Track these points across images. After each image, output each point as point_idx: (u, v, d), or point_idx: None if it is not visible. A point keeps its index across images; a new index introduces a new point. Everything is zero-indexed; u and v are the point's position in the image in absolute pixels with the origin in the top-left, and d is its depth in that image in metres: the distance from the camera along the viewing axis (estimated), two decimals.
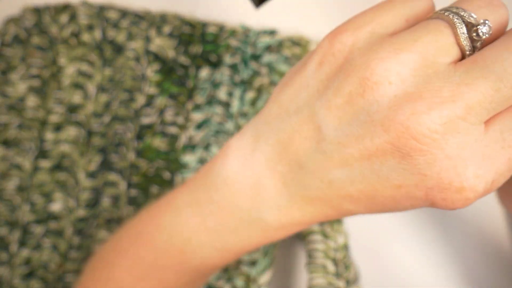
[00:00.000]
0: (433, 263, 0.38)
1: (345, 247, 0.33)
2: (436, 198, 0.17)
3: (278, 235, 0.22)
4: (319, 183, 0.19)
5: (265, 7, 0.37)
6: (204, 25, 0.39)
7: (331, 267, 0.32)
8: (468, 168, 0.16)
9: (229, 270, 0.33)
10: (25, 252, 0.38)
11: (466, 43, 0.16)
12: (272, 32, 0.38)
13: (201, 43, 0.38)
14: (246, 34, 0.38)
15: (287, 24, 0.43)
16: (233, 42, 0.38)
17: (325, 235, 0.33)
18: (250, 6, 0.37)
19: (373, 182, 0.18)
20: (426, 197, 0.17)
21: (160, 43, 0.38)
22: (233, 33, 0.38)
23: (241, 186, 0.20)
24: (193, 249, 0.22)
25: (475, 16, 0.16)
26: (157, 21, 0.39)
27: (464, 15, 0.16)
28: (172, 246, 0.23)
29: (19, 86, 0.39)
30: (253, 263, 0.33)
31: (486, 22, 0.16)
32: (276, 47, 0.38)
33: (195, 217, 0.22)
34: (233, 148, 0.21)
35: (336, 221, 0.34)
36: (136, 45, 0.38)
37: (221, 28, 0.38)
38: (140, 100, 0.38)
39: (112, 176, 0.38)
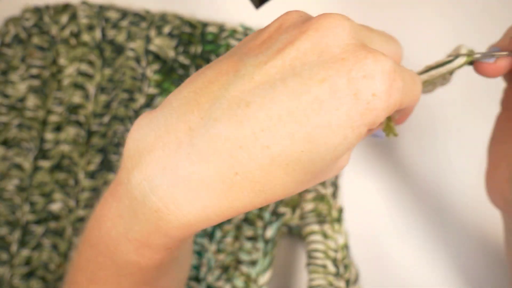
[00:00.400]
0: (433, 263, 0.38)
1: (345, 248, 0.33)
2: (358, 80, 0.17)
3: (174, 221, 0.19)
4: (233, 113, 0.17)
5: (265, 7, 0.37)
6: (204, 25, 0.39)
7: (331, 268, 0.32)
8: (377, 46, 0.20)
9: (229, 270, 0.33)
10: (25, 252, 0.38)
11: None
12: None
13: (201, 43, 0.38)
14: (246, 34, 0.38)
15: None
16: (233, 42, 0.38)
17: (325, 236, 0.33)
18: (250, 6, 0.37)
19: (296, 85, 0.17)
20: (349, 84, 0.17)
21: (160, 43, 0.38)
22: (233, 32, 0.38)
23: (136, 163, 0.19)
24: (115, 244, 0.21)
25: None
26: (157, 21, 0.39)
27: None
28: (100, 239, 0.21)
29: (19, 86, 0.39)
30: (253, 263, 0.33)
31: None
32: None
33: (114, 207, 0.20)
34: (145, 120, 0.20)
35: (336, 221, 0.34)
36: (136, 45, 0.38)
37: (221, 28, 0.38)
38: (140, 100, 0.38)
39: (112, 176, 0.38)
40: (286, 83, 0.17)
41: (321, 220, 0.33)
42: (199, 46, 0.38)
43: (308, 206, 0.34)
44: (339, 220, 0.34)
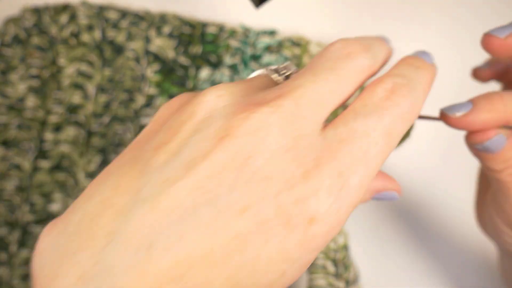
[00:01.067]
0: (433, 263, 0.38)
1: (345, 248, 0.33)
2: (288, 206, 0.14)
3: None
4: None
5: (265, 7, 0.37)
6: (204, 25, 0.39)
7: (331, 268, 0.32)
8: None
9: None
10: (24, 253, 0.37)
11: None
12: (272, 33, 0.38)
13: (201, 43, 0.38)
14: (246, 35, 0.38)
15: (287, 24, 0.43)
16: (233, 43, 0.38)
17: None
18: (250, 6, 0.37)
19: (210, 218, 0.13)
20: (277, 211, 0.14)
21: (160, 44, 0.38)
22: (233, 33, 0.38)
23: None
24: None
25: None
26: (157, 21, 0.39)
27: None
28: None
29: (18, 86, 0.39)
30: None
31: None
32: (276, 48, 0.38)
33: None
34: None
35: None
36: (136, 45, 0.38)
37: (221, 28, 0.38)
38: (140, 100, 0.38)
39: None
40: (198, 215, 0.13)
41: None
42: (199, 46, 0.38)
43: None
44: None
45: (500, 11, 0.44)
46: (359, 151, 0.14)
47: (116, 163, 0.16)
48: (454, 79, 0.42)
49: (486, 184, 0.27)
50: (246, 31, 0.38)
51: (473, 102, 0.20)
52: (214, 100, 0.16)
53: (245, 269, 0.13)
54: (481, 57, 0.42)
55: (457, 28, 0.44)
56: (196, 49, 0.38)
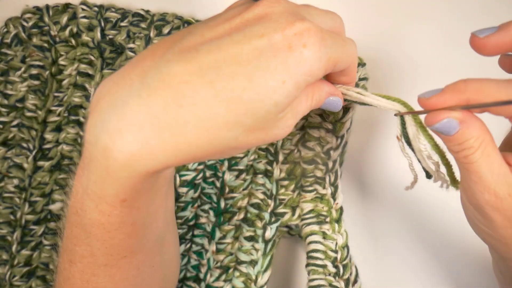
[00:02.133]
0: (432, 263, 0.38)
1: (345, 248, 0.33)
2: (291, 37, 0.20)
3: (114, 155, 0.19)
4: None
5: None
6: None
7: (331, 268, 0.32)
8: None
9: (228, 271, 0.33)
10: (25, 252, 0.37)
11: None
12: None
13: None
14: None
15: None
16: None
17: (325, 236, 0.33)
18: None
19: (239, 38, 0.20)
20: (284, 38, 0.20)
21: None
22: None
23: (98, 108, 0.20)
24: (80, 206, 0.21)
25: None
26: (157, 21, 0.38)
27: None
28: (72, 209, 0.22)
29: (19, 86, 0.39)
30: (252, 263, 0.33)
31: None
32: None
33: (80, 174, 0.21)
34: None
35: (335, 222, 0.34)
36: (136, 45, 0.38)
37: None
38: None
39: None
40: (231, 37, 0.20)
41: (321, 220, 0.33)
42: None
43: (308, 206, 0.34)
44: (338, 220, 0.34)
45: (500, 10, 0.44)
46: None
47: None
48: (455, 78, 0.42)
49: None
50: None
51: (444, 88, 0.23)
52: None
53: (259, 71, 0.19)
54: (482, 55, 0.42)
55: (457, 27, 0.44)
56: None
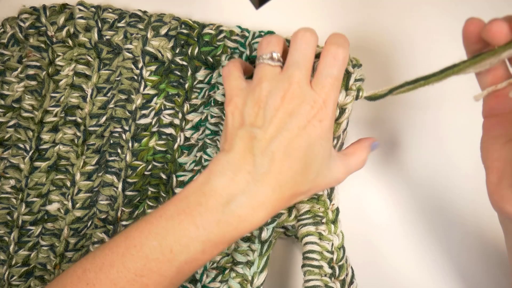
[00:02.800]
0: (429, 265, 0.38)
1: (341, 249, 0.33)
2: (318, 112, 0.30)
3: (250, 223, 0.28)
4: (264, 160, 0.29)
5: (264, 7, 0.36)
6: (201, 25, 0.38)
7: (327, 269, 0.32)
8: None
9: (225, 272, 0.33)
10: (22, 252, 0.37)
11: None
12: (269, 33, 0.38)
13: (198, 44, 0.38)
14: (243, 35, 0.38)
15: (286, 24, 0.43)
16: (230, 44, 0.37)
17: (321, 237, 0.33)
18: (250, 6, 0.37)
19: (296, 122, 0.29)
20: (308, 121, 0.30)
21: (157, 44, 0.38)
22: (230, 33, 0.38)
23: (225, 192, 0.28)
24: (181, 248, 0.27)
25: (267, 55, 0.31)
26: (154, 21, 0.38)
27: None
28: (161, 248, 0.27)
29: (16, 87, 0.39)
30: (249, 264, 0.33)
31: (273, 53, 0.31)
32: None
33: (186, 219, 0.28)
34: (219, 167, 0.29)
35: (332, 223, 0.34)
36: (133, 45, 0.38)
37: (218, 28, 0.38)
38: (137, 101, 0.38)
39: (108, 177, 0.38)
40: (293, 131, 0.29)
41: (317, 221, 0.33)
42: (196, 47, 0.38)
43: (304, 207, 0.34)
44: (335, 221, 0.34)
45: (501, 9, 0.44)
46: (331, 89, 0.30)
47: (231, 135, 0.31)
48: (454, 78, 0.42)
49: (499, 161, 0.28)
50: (243, 32, 0.38)
51: None
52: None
53: (309, 147, 0.29)
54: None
55: (457, 26, 0.44)
56: (193, 49, 0.38)
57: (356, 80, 0.32)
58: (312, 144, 0.29)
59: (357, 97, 0.32)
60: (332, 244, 0.33)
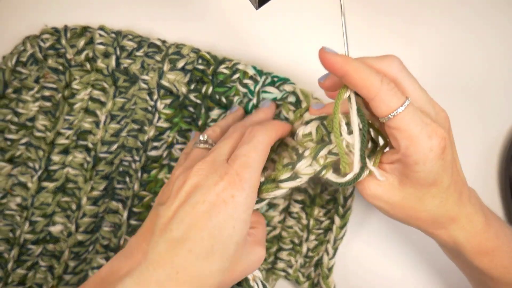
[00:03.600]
0: (426, 266, 0.38)
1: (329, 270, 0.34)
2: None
3: None
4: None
5: (264, 7, 0.36)
6: (217, 62, 0.38)
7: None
8: None
9: None
10: (20, 271, 0.38)
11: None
12: (280, 85, 0.37)
13: (212, 83, 0.38)
14: (255, 80, 0.37)
15: (286, 24, 0.43)
16: (240, 88, 0.37)
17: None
18: (250, 6, 0.37)
19: (189, 212, 0.26)
20: (217, 197, 0.27)
21: (173, 78, 0.38)
22: (243, 75, 0.37)
23: (114, 275, 0.26)
24: None
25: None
26: (172, 54, 0.38)
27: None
28: None
29: (30, 106, 0.39)
30: None
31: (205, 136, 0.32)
32: (279, 101, 0.37)
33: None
34: (125, 246, 0.28)
35: (325, 277, 0.34)
36: (149, 77, 0.38)
37: (233, 67, 0.38)
38: (149, 132, 0.38)
39: (114, 204, 0.38)
40: (184, 209, 0.26)
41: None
42: (210, 86, 0.38)
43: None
44: (327, 276, 0.34)
45: (502, 9, 0.45)
46: (246, 161, 0.28)
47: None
48: (456, 77, 0.43)
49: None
50: (256, 76, 0.37)
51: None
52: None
53: (216, 228, 0.25)
54: (482, 54, 0.43)
55: (458, 28, 0.45)
56: (207, 88, 0.38)
57: (331, 153, 0.29)
58: (220, 224, 0.25)
59: (319, 173, 0.28)
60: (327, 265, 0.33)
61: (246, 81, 0.37)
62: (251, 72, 0.37)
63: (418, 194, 0.28)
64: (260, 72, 0.37)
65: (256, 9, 0.34)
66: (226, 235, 0.25)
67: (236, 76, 0.37)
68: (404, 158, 0.26)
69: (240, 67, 0.38)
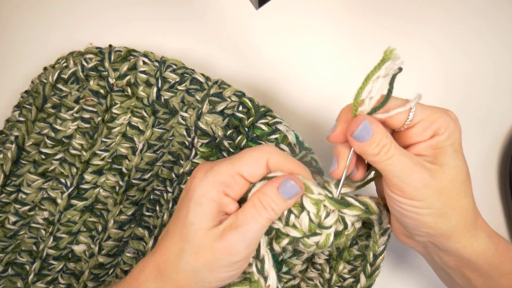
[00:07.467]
0: (425, 267, 0.38)
1: None
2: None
3: None
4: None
5: (265, 7, 0.36)
6: (258, 113, 0.36)
7: None
8: None
9: None
10: (39, 285, 0.38)
11: None
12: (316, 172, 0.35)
13: (247, 137, 0.36)
14: (292, 150, 0.35)
15: (286, 24, 0.44)
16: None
17: None
18: (250, 6, 0.37)
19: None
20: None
21: (210, 120, 0.37)
22: (283, 139, 0.35)
23: None
24: None
25: None
26: (213, 95, 0.37)
27: None
28: None
29: (69, 125, 0.40)
30: None
31: None
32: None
33: None
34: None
35: None
36: (188, 114, 0.38)
37: (274, 124, 0.36)
38: (186, 167, 0.38)
39: (140, 231, 0.39)
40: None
41: None
42: (244, 139, 0.36)
43: None
44: None
45: (503, 9, 0.46)
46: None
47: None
48: (457, 76, 0.44)
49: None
50: (295, 147, 0.35)
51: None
52: None
53: (199, 274, 0.28)
54: (483, 55, 0.43)
55: (459, 27, 0.46)
56: (240, 140, 0.36)
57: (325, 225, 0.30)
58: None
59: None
60: None
61: (284, 146, 0.35)
62: (292, 139, 0.35)
63: (460, 178, 0.29)
64: (300, 144, 0.35)
65: (256, 9, 0.35)
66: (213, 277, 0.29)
67: (274, 136, 0.35)
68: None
69: (281, 128, 0.36)
